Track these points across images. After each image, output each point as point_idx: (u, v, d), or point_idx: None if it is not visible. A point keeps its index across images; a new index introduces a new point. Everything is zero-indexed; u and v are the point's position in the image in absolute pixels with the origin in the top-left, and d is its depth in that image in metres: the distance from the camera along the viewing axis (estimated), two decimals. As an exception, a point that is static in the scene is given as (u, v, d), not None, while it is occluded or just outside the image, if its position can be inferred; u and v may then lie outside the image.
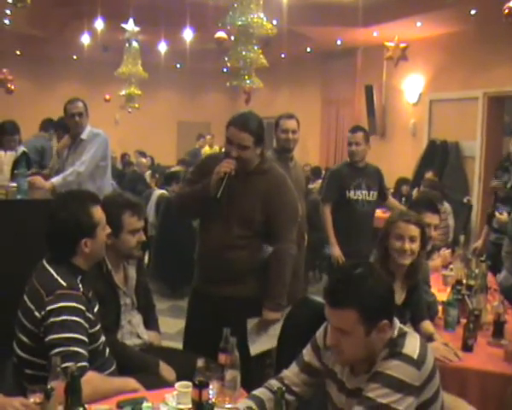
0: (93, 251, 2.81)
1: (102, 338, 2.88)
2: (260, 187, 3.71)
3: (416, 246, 3.42)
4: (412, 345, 2.26)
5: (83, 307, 2.68)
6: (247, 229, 3.69)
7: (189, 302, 4.03)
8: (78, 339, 2.59)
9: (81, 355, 2.57)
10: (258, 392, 2.50)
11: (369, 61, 12.71)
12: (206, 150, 13.88)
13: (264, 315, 3.73)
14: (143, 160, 12.20)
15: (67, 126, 6.28)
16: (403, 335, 2.31)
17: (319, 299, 3.42)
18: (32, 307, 2.65)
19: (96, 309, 2.87)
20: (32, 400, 2.31)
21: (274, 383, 2.54)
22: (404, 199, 8.99)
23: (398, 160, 11.35)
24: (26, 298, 2.71)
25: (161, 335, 3.73)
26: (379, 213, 6.05)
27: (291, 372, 2.57)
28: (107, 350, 2.93)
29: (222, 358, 2.68)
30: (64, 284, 2.66)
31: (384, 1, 9.45)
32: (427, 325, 3.56)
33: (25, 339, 2.69)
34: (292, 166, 5.18)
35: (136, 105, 14.26)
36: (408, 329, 2.40)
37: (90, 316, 2.74)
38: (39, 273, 2.75)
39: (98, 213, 2.83)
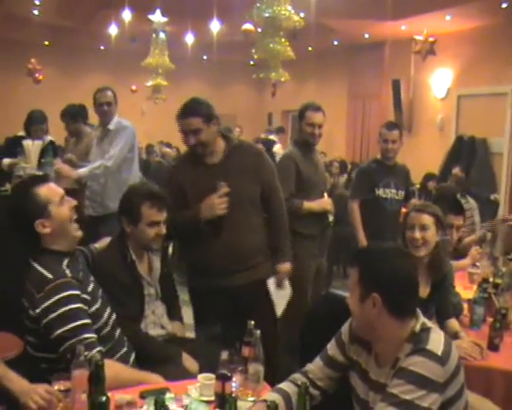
0: (57, 229, 2.73)
1: (108, 316, 2.87)
2: (244, 161, 3.78)
3: (428, 235, 3.40)
4: (437, 341, 2.24)
5: (76, 292, 2.65)
6: (249, 207, 3.77)
7: (196, 303, 3.98)
8: (81, 325, 2.59)
9: (91, 340, 2.58)
10: (284, 385, 2.49)
11: (397, 55, 12.61)
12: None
13: (281, 269, 3.92)
14: (168, 150, 12.22)
15: (73, 115, 6.32)
16: (426, 330, 2.29)
17: (343, 293, 3.40)
18: (27, 306, 2.65)
19: (90, 288, 2.83)
20: (56, 387, 2.33)
21: (298, 376, 2.53)
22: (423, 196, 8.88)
23: (425, 155, 11.26)
24: (23, 299, 2.69)
25: (184, 326, 3.73)
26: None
27: (315, 366, 2.56)
28: (117, 333, 2.94)
29: (245, 351, 2.67)
30: (50, 276, 2.63)
31: (413, -6, 9.38)
32: (452, 323, 3.52)
33: (31, 339, 2.70)
34: (315, 159, 5.06)
35: (163, 96, 14.31)
36: (432, 324, 2.38)
37: (86, 296, 2.73)
38: (29, 272, 2.71)
39: (44, 191, 2.74)
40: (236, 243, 3.71)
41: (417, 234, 3.39)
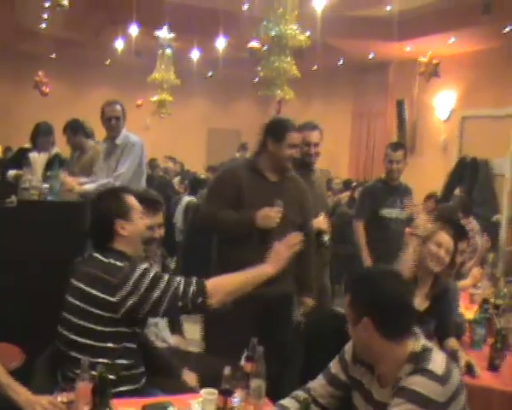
0: (132, 235, 2.89)
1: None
2: (296, 191, 4.10)
3: (448, 258, 3.59)
4: (438, 361, 2.26)
5: (148, 265, 2.84)
6: (291, 228, 3.80)
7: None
8: (168, 283, 2.74)
9: (181, 285, 2.76)
10: (286, 401, 2.51)
11: (402, 76, 12.69)
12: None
13: (307, 303, 4.17)
14: (171, 164, 12.28)
15: (74, 128, 6.33)
16: (428, 350, 2.31)
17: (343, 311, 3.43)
18: (100, 294, 2.69)
19: None
20: (59, 399, 2.36)
21: (300, 394, 2.55)
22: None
23: (427, 176, 11.29)
24: (87, 288, 2.74)
25: (186, 340, 3.74)
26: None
27: (318, 384, 2.58)
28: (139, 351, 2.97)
29: (248, 366, 2.69)
30: (121, 264, 2.75)
31: (418, 16, 9.45)
32: (452, 342, 3.55)
33: (90, 325, 2.72)
34: (315, 180, 4.90)
35: (168, 111, 14.38)
36: (433, 345, 2.41)
37: None
38: (94, 263, 2.81)
39: (132, 199, 2.95)
40: None
41: (443, 253, 3.57)
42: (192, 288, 2.75)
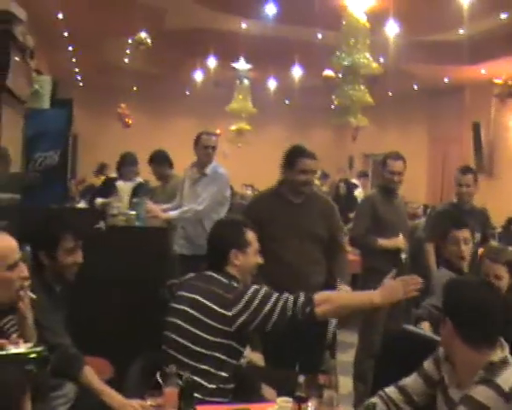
0: (243, 266, 3.13)
1: None
2: (319, 210, 4.28)
3: (502, 283, 3.55)
4: (508, 376, 2.28)
5: (259, 286, 3.04)
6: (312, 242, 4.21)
7: None
8: (280, 295, 2.94)
9: (288, 299, 2.93)
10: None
11: (477, 99, 12.59)
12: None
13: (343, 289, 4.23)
14: (248, 192, 12.54)
15: (159, 160, 6.60)
16: (504, 363, 2.33)
17: (417, 330, 3.54)
18: (217, 307, 2.92)
19: None
20: (149, 402, 2.58)
21: (391, 390, 2.66)
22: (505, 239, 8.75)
23: (506, 198, 11.13)
24: (204, 300, 2.96)
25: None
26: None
27: (412, 381, 2.65)
28: None
29: (321, 378, 2.84)
30: (235, 284, 3.01)
31: (491, 38, 9.41)
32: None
33: (202, 334, 2.92)
34: (397, 205, 5.28)
35: (246, 140, 14.68)
36: None
37: None
38: (210, 280, 3.05)
39: (252, 235, 3.19)
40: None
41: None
42: (301, 299, 2.93)
